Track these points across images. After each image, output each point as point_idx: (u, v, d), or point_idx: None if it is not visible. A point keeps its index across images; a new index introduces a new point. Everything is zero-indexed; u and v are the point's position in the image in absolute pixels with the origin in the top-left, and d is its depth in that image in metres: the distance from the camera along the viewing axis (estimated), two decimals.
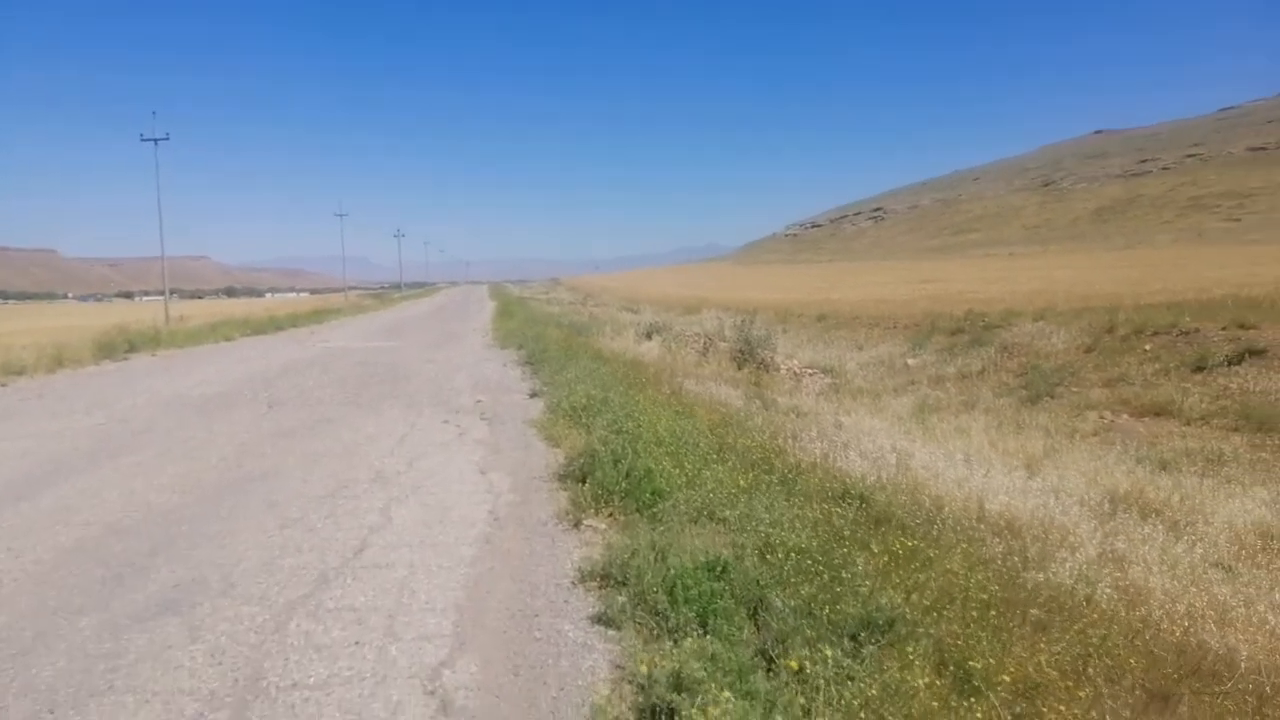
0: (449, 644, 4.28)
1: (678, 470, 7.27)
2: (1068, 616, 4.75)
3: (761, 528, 5.87)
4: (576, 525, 6.32)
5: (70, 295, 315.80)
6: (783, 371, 19.65)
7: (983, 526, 6.73)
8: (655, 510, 6.31)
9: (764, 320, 33.81)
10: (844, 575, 4.66)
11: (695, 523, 6.21)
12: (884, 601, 4.29)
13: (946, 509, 7.23)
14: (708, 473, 7.40)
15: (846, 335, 27.66)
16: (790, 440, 10.16)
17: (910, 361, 21.11)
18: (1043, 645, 4.22)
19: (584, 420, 10.03)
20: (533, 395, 13.83)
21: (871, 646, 3.91)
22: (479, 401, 13.32)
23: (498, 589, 5.08)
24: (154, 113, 41.72)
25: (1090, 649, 4.25)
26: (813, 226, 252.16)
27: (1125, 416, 14.04)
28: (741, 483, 7.02)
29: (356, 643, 4.28)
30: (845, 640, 3.98)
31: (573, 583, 5.17)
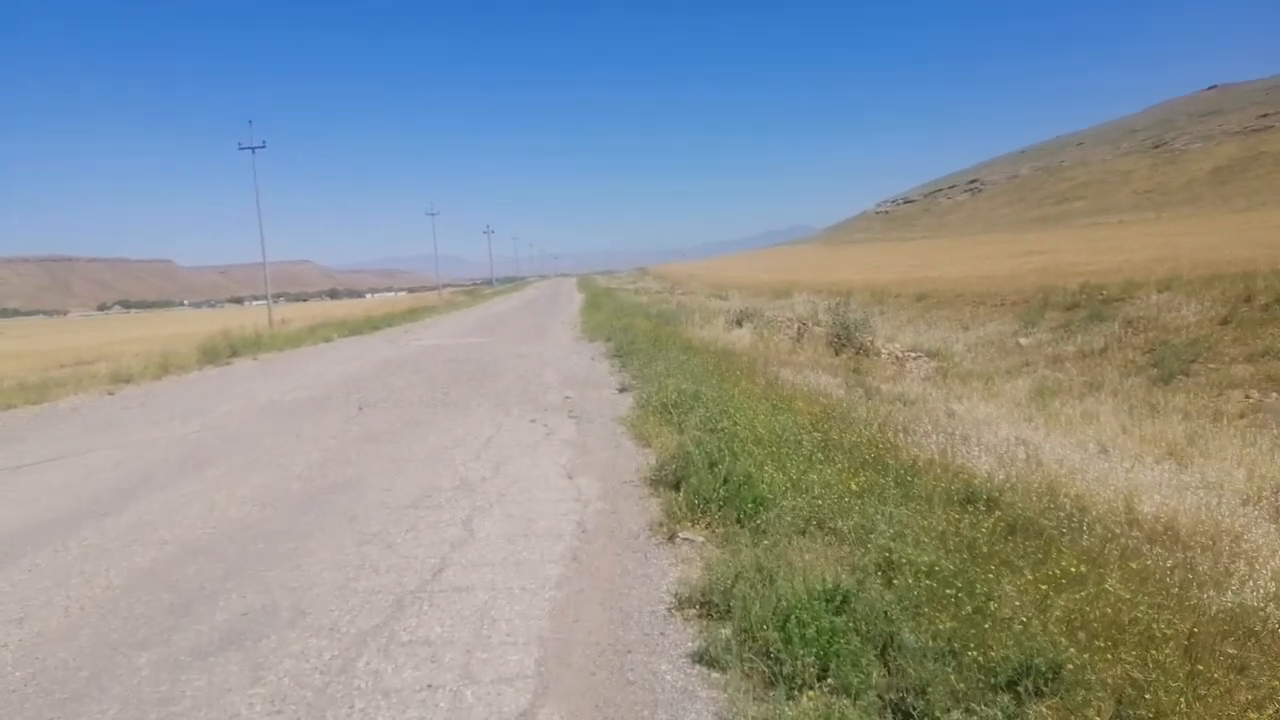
0: (531, 688, 3.77)
1: (780, 473, 6.61)
2: (1266, 652, 3.93)
3: (881, 540, 5.19)
4: (671, 538, 5.74)
5: (185, 302, 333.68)
6: (884, 356, 18.62)
7: (1137, 534, 5.86)
8: (758, 520, 5.69)
9: (858, 302, 32.56)
10: (990, 606, 3.94)
11: (803, 534, 5.56)
12: (1042, 639, 3.57)
13: (1091, 511, 6.36)
14: (814, 475, 6.72)
15: (950, 315, 26.23)
16: (901, 434, 9.35)
17: (1022, 341, 19.75)
18: (1245, 693, 3.44)
19: (675, 417, 9.47)
20: (621, 390, 13.35)
21: (1037, 704, 3.21)
22: (567, 398, 12.91)
23: (585, 617, 4.55)
24: (250, 121, 42.83)
25: None
26: (905, 202, 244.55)
27: (1275, 395, 12.62)
28: (853, 486, 6.32)
29: (429, 686, 3.82)
30: (1001, 693, 3.29)
31: (669, 610, 4.59)
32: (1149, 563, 5.12)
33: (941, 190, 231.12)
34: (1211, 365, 14.54)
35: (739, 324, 25.27)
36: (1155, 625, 3.93)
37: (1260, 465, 8.65)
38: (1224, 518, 6.28)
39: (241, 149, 41.30)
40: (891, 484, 6.70)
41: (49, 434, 11.75)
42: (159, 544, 6.16)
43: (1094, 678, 3.37)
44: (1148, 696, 3.24)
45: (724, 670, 3.81)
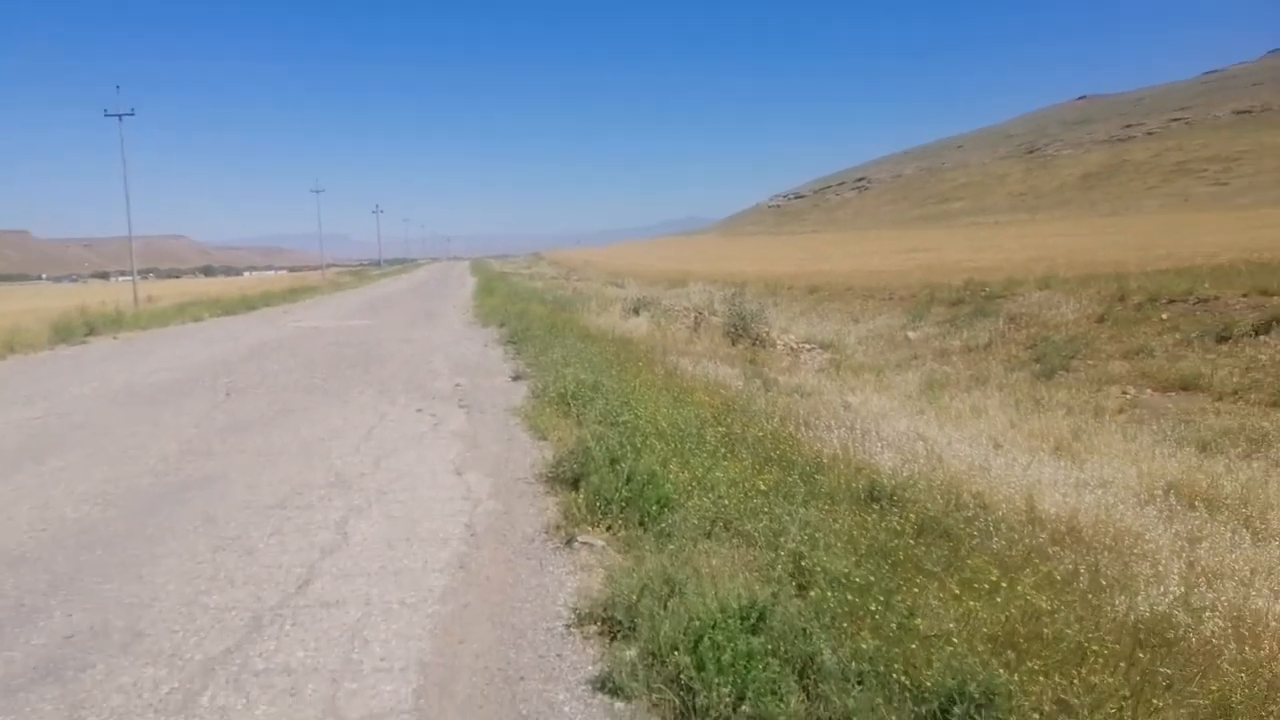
0: None
1: (684, 471, 6.26)
2: (1187, 663, 3.81)
3: (791, 544, 4.89)
4: (569, 542, 5.29)
5: (44, 276, 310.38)
6: (779, 347, 18.66)
7: (1042, 534, 5.77)
8: (662, 522, 5.30)
9: (753, 293, 32.78)
10: (914, 622, 3.67)
11: (710, 537, 5.22)
12: (972, 660, 3.30)
13: (995, 510, 6.27)
14: (719, 472, 6.40)
15: (841, 308, 26.65)
16: (803, 428, 9.18)
17: (911, 334, 20.16)
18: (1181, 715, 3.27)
19: (574, 409, 9.02)
20: (516, 378, 12.79)
21: None
22: (457, 386, 12.27)
23: (473, 636, 4.06)
24: (118, 87, 39.64)
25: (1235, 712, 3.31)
26: (796, 197, 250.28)
27: (1150, 391, 13.15)
28: (760, 485, 6.03)
29: None
30: None
31: (567, 627, 4.15)
32: (1059, 566, 4.99)
33: (830, 187, 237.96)
34: (1090, 361, 15.09)
35: (636, 312, 24.97)
36: (1074, 636, 3.75)
37: (1144, 462, 8.86)
38: (1121, 517, 6.29)
39: (108, 116, 38.31)
40: (798, 481, 6.45)
41: None
42: None
43: (1030, 704, 3.12)
44: None
45: (629, 700, 3.40)
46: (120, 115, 37.90)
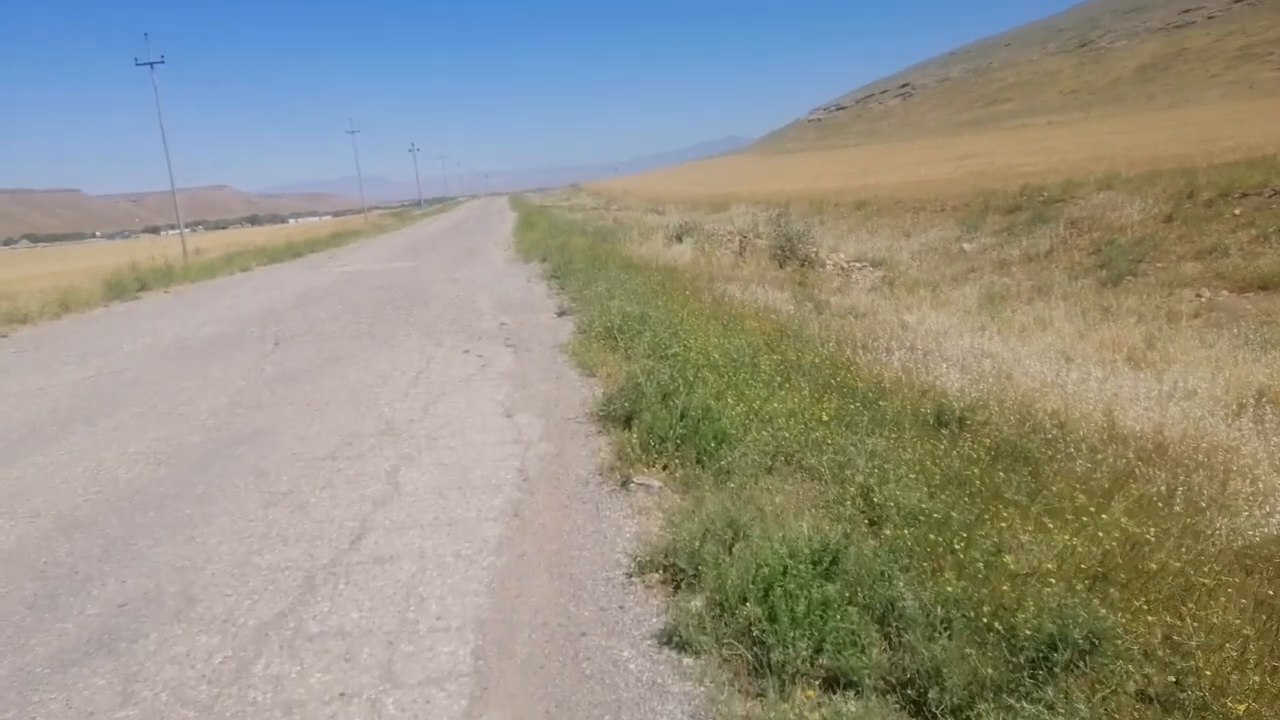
0: (467, 691, 3.12)
1: (740, 403, 6.00)
2: None
3: (859, 477, 4.63)
4: (625, 484, 5.09)
5: (98, 234, 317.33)
6: (829, 267, 18.11)
7: (1128, 454, 5.41)
8: (721, 459, 5.07)
9: (798, 212, 31.97)
10: (1003, 559, 3.39)
11: (771, 472, 4.98)
12: (1070, 601, 3.02)
13: (1074, 430, 5.91)
14: (776, 403, 6.12)
15: (890, 222, 25.79)
16: (860, 351, 8.82)
17: (966, 246, 19.40)
18: None
19: (622, 343, 8.77)
20: (561, 314, 12.57)
21: (1082, 686, 2.67)
22: (503, 325, 12.10)
23: (531, 590, 3.90)
24: (146, 35, 39.30)
25: None
26: (837, 109, 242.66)
27: (1226, 293, 12.44)
28: (823, 415, 5.74)
29: (341, 694, 3.14)
30: (1029, 677, 2.74)
31: (628, 576, 3.96)
32: (1150, 488, 4.65)
33: (873, 96, 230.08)
34: (1159, 265, 14.34)
35: (679, 239, 24.45)
36: (1180, 568, 3.45)
37: (1228, 368, 8.35)
38: (1213, 430, 5.89)
39: (139, 65, 38.15)
40: (860, 408, 6.15)
41: None
42: (29, 518, 5.29)
43: (1136, 647, 2.85)
44: (1205, 670, 2.74)
45: (698, 654, 3.21)
46: (151, 64, 37.73)
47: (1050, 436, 5.63)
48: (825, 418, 5.57)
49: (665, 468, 5.22)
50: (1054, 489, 4.64)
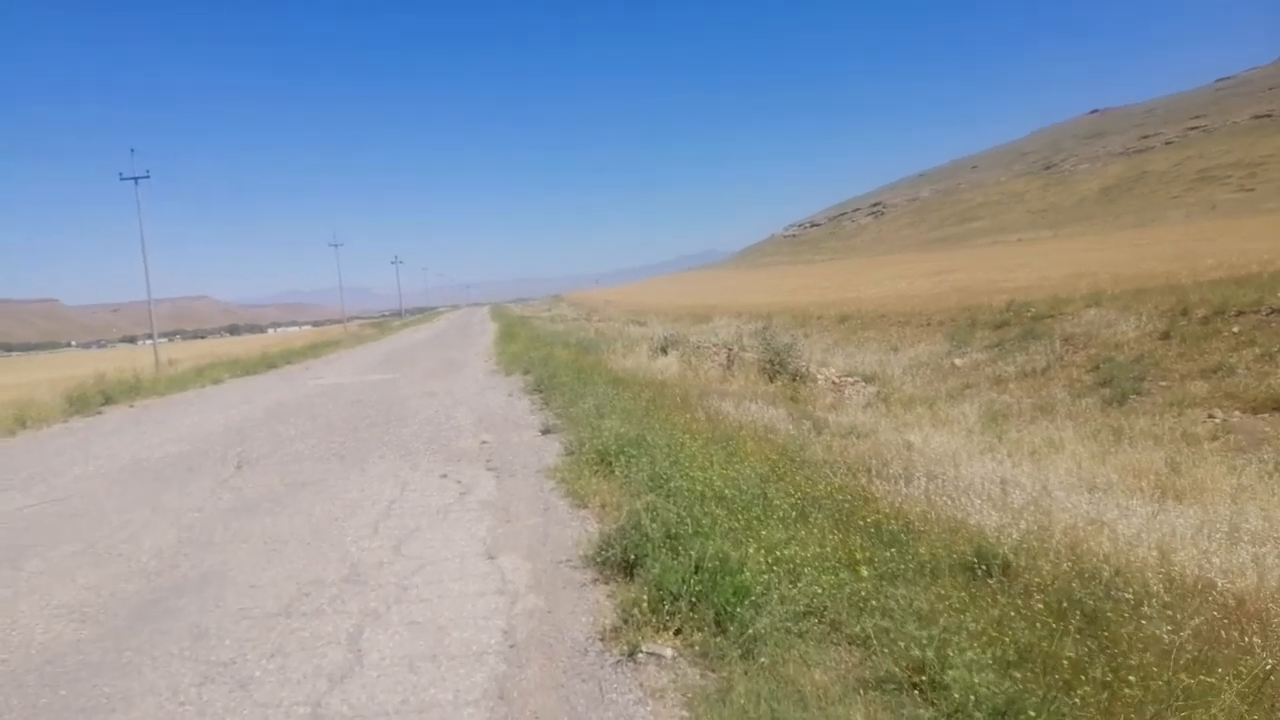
0: None
1: (758, 547, 5.27)
2: None
3: (915, 649, 3.89)
4: (632, 655, 4.29)
5: (74, 343, 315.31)
6: (820, 382, 17.63)
7: (1210, 610, 4.70)
8: (743, 622, 4.31)
9: (781, 325, 31.89)
10: None
11: (803, 637, 4.23)
12: None
13: (1132, 578, 5.20)
14: (797, 547, 5.40)
15: (876, 336, 25.61)
16: (875, 479, 8.15)
17: (958, 361, 19.07)
18: None
19: (617, 469, 8.05)
20: (545, 432, 11.85)
21: None
22: (484, 443, 11.35)
23: None
24: (132, 151, 39.53)
25: None
26: (811, 226, 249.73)
27: (1238, 414, 11.99)
28: (859, 561, 5.01)
29: None
30: None
31: None
32: (1256, 662, 3.93)
33: (845, 214, 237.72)
34: (1163, 383, 13.94)
35: (664, 351, 24.03)
36: None
37: (1261, 499, 7.73)
38: None
39: (123, 180, 38.22)
40: (893, 554, 5.44)
41: None
42: None
43: None
44: None
45: None
46: (136, 179, 37.77)
47: (1111, 588, 4.91)
48: (864, 573, 4.82)
49: (678, 632, 4.43)
50: (1134, 660, 3.93)
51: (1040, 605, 4.47)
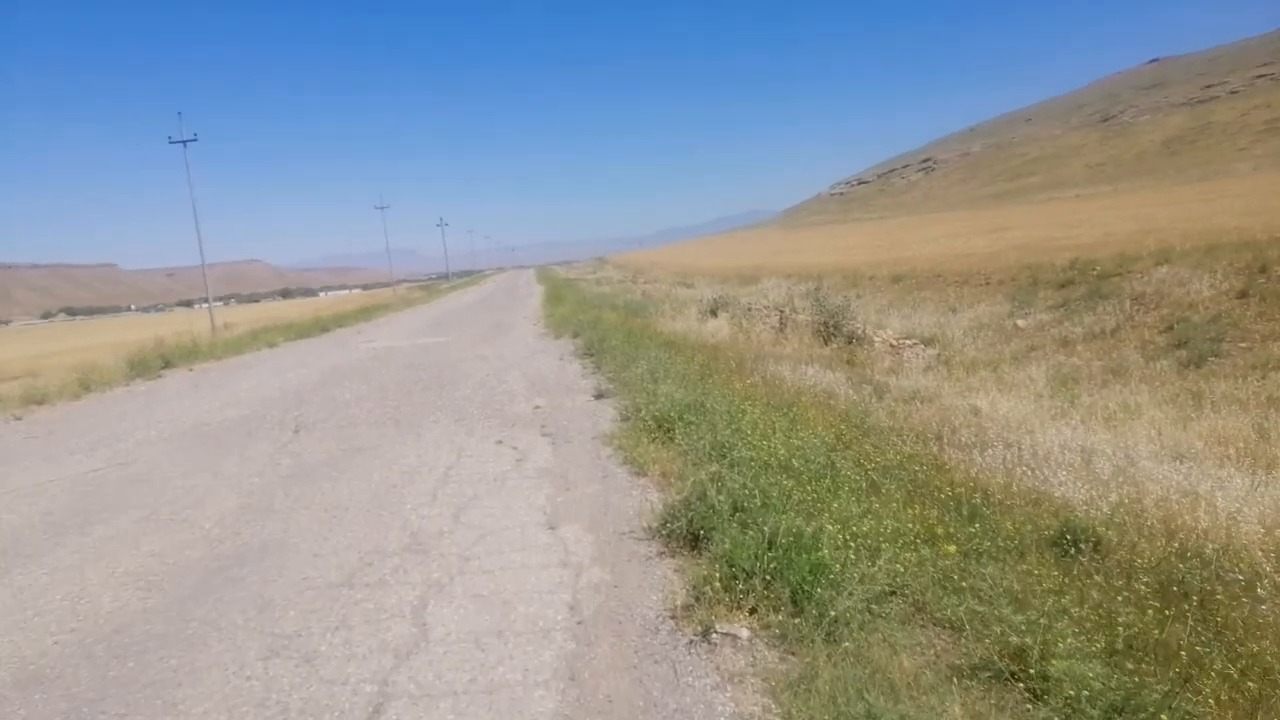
0: None
1: (831, 521, 5.04)
2: None
3: (1013, 634, 3.64)
4: (705, 634, 4.11)
5: (132, 307, 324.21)
6: (877, 345, 17.19)
7: None
8: (821, 601, 4.09)
9: (832, 286, 31.26)
10: None
11: (887, 619, 4.01)
12: None
13: (1239, 557, 4.87)
14: (871, 520, 5.16)
15: (933, 297, 24.91)
16: (945, 446, 7.84)
17: (1020, 323, 18.44)
18: None
19: (676, 434, 7.84)
20: (598, 396, 11.69)
21: None
22: (537, 408, 11.25)
23: None
24: (179, 113, 39.86)
25: None
26: (859, 183, 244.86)
27: None
28: (939, 537, 4.75)
29: None
30: None
31: None
32: None
33: (895, 170, 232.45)
34: (1243, 344, 13.28)
35: (713, 314, 23.72)
36: None
37: None
38: None
39: (172, 143, 38.66)
40: (972, 525, 5.17)
41: None
42: None
43: None
44: None
45: None
46: (185, 142, 38.17)
47: (1219, 569, 4.60)
48: (950, 550, 4.56)
49: (753, 611, 4.23)
50: (1253, 648, 3.65)
51: (1143, 587, 4.19)
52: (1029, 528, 5.30)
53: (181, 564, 5.87)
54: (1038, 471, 6.76)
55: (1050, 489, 6.34)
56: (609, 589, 4.85)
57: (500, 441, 9.32)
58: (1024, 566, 4.62)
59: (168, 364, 22.64)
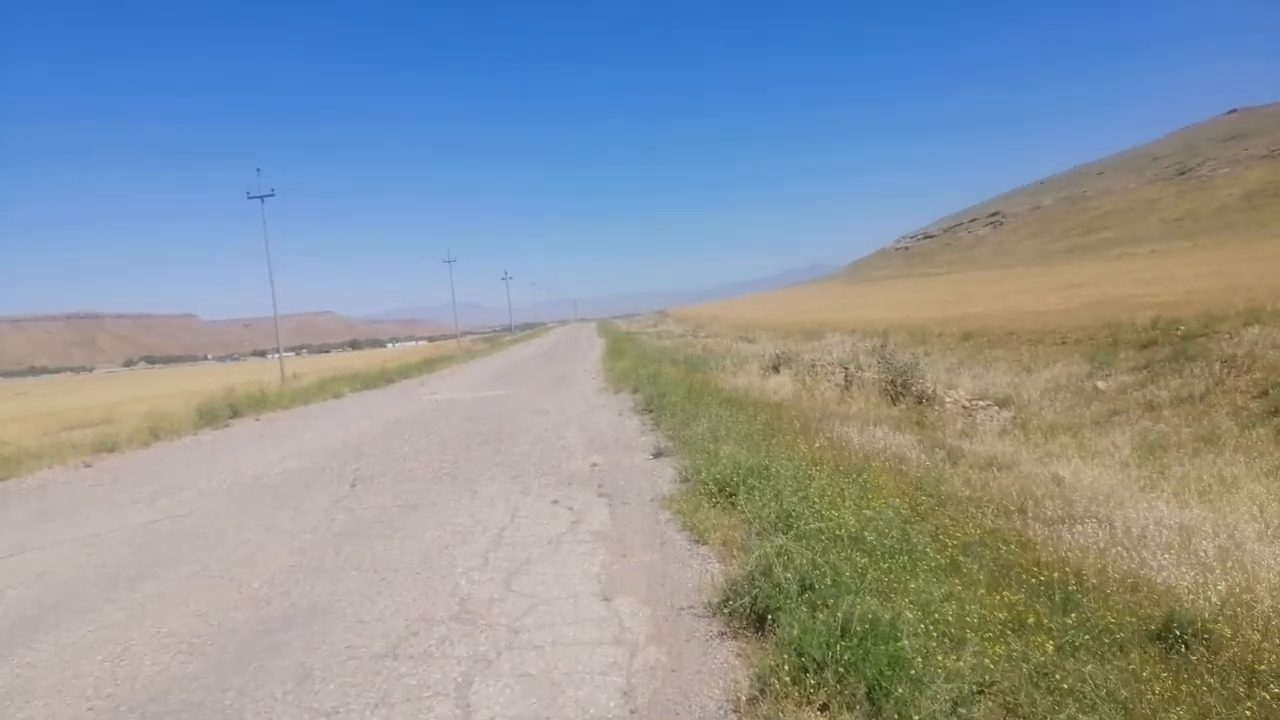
0: None
1: (910, 605, 4.63)
2: None
3: None
4: None
5: (209, 356, 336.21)
6: (948, 406, 16.54)
7: None
8: (903, 704, 3.68)
9: (898, 342, 30.52)
10: None
11: None
12: None
13: None
14: (954, 605, 4.73)
15: (1004, 355, 24.09)
16: (1027, 517, 7.33)
17: (1100, 384, 17.60)
18: None
19: (740, 502, 7.48)
20: (657, 455, 11.39)
21: None
22: (594, 466, 11.00)
23: None
24: (258, 169, 41.54)
25: None
26: (925, 238, 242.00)
27: None
28: (1030, 626, 4.31)
29: None
30: None
31: None
32: None
33: (961, 224, 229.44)
34: None
35: (775, 370, 23.28)
36: None
37: None
38: None
39: (250, 198, 40.18)
40: (1065, 613, 4.71)
41: None
42: None
43: None
44: None
45: None
46: (262, 197, 39.63)
47: None
48: (1048, 647, 4.11)
49: (824, 708, 3.83)
50: None
51: (1268, 696, 3.69)
52: (1129, 618, 4.81)
53: (226, 625, 5.70)
54: (1134, 552, 6.21)
55: (1149, 573, 5.81)
56: (666, 673, 4.50)
57: (556, 501, 9.06)
58: (1127, 664, 4.16)
59: (236, 413, 23.07)
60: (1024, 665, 4.01)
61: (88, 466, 14.99)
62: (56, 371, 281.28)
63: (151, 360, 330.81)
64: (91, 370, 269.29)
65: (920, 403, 16.48)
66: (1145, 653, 4.40)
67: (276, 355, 47.09)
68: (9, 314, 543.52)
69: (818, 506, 6.69)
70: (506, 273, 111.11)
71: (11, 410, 39.08)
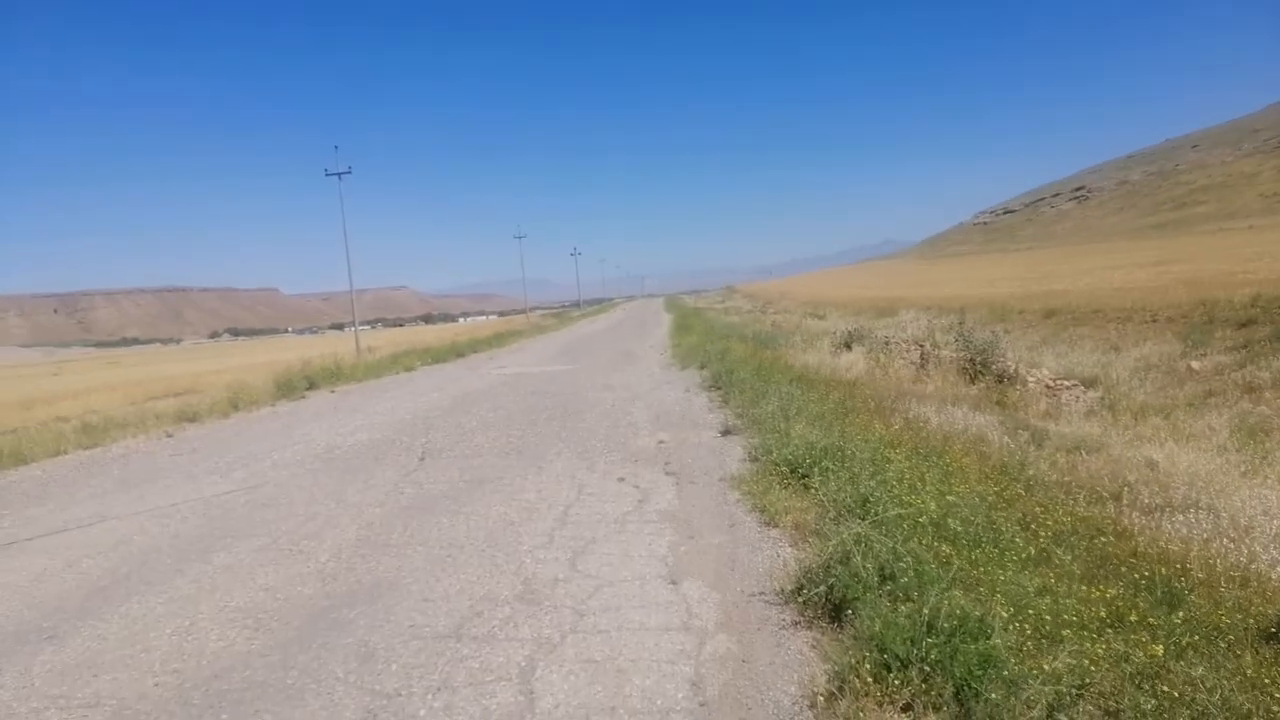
0: None
1: (1000, 599, 4.32)
2: None
3: None
4: None
5: (290, 329, 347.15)
6: (1030, 385, 15.84)
7: None
8: (995, 707, 3.40)
9: (976, 320, 29.55)
10: None
11: None
12: None
13: None
14: (1049, 599, 4.41)
15: (1091, 334, 23.03)
16: (1121, 504, 6.87)
17: (1194, 365, 16.64)
18: None
19: (815, 484, 7.20)
20: (725, 433, 11.15)
21: None
22: (661, 443, 10.81)
23: None
24: (336, 147, 42.40)
25: None
26: (1005, 213, 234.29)
27: None
28: (1132, 624, 3.97)
29: None
30: None
31: None
32: None
33: (1044, 199, 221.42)
34: None
35: (848, 347, 22.70)
36: None
37: None
38: None
39: (328, 175, 40.91)
40: (1169, 609, 4.34)
41: (73, 493, 10.26)
42: (82, 709, 4.24)
43: None
44: None
45: None
46: (339, 174, 40.31)
47: None
48: (1158, 650, 3.78)
49: (907, 709, 3.58)
50: None
51: None
52: (1239, 616, 4.42)
53: (292, 600, 5.69)
54: (1241, 544, 5.75)
55: (1261, 567, 5.35)
56: (737, 664, 4.29)
57: (622, 479, 8.91)
58: (1242, 667, 3.79)
59: (312, 385, 23.56)
60: (1125, 666, 3.69)
61: (169, 436, 15.44)
62: (147, 343, 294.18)
63: (235, 332, 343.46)
64: (179, 342, 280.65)
65: (1000, 382, 15.82)
66: (1258, 654, 4.02)
67: (353, 329, 48.08)
68: (103, 287, 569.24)
69: (896, 491, 6.37)
70: (575, 249, 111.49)
71: (104, 379, 40.90)
